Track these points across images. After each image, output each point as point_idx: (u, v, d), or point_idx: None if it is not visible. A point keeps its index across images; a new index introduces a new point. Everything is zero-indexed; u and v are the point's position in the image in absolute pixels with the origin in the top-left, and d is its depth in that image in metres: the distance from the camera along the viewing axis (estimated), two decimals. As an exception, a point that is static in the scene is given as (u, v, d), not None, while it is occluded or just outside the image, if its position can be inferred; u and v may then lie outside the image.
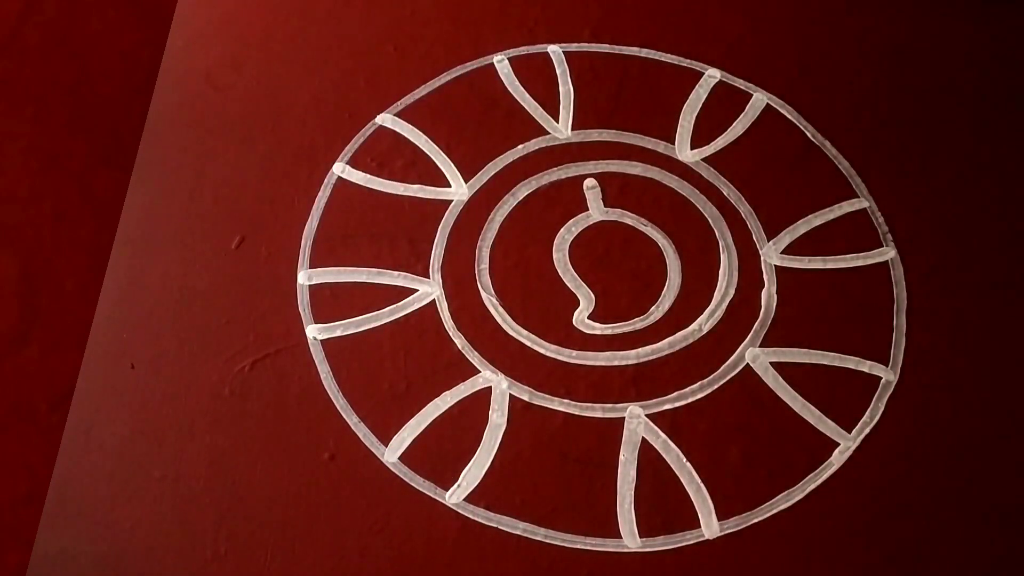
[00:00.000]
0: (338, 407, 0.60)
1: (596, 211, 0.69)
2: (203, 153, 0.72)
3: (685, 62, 0.76)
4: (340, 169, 0.71)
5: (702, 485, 0.57)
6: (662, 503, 0.57)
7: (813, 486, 0.57)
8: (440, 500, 0.57)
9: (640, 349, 0.62)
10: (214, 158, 0.72)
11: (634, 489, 0.57)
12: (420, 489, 0.57)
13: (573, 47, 0.77)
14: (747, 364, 0.62)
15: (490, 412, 0.60)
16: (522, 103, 0.74)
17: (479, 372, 0.62)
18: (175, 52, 0.78)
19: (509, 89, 0.75)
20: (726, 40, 0.77)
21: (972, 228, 0.67)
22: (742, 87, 0.75)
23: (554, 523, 0.56)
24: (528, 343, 0.63)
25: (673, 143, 0.72)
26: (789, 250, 0.67)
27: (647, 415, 0.60)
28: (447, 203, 0.69)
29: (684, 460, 0.58)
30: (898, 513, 0.56)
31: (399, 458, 0.58)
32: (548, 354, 0.62)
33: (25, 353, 0.63)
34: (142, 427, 0.60)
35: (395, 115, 0.74)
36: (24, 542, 0.56)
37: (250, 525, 0.56)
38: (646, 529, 0.56)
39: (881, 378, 0.61)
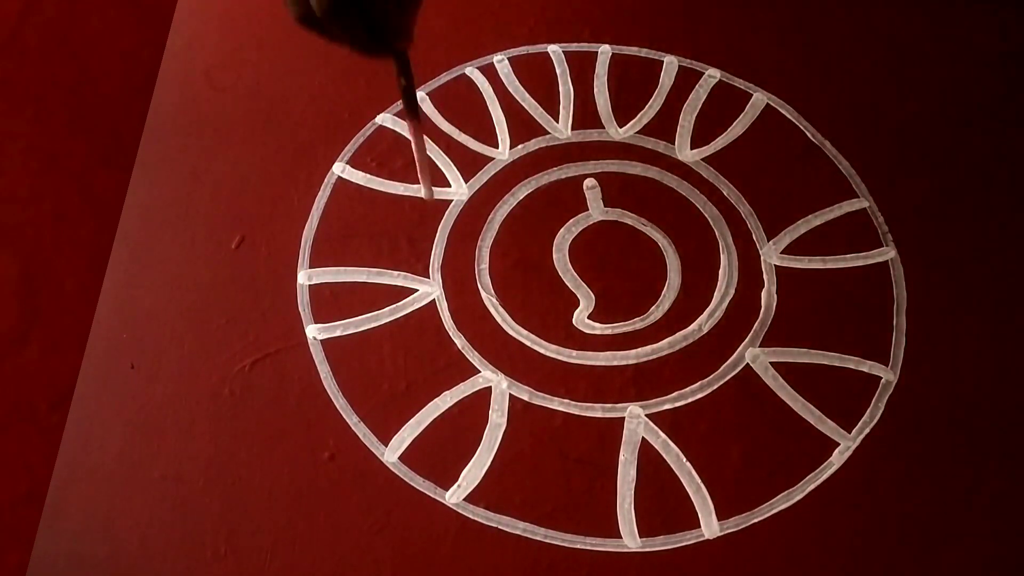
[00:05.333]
0: (338, 407, 0.60)
1: (596, 211, 0.69)
2: (203, 153, 0.72)
3: (685, 62, 0.76)
4: (340, 169, 0.71)
5: (702, 485, 0.57)
6: (662, 503, 0.57)
7: (813, 486, 0.57)
8: (440, 500, 0.57)
9: (640, 349, 0.62)
10: (214, 158, 0.72)
11: (634, 489, 0.57)
12: (420, 489, 0.57)
13: (573, 47, 0.77)
14: (747, 364, 0.62)
15: (490, 412, 0.60)
16: (522, 103, 0.74)
17: (479, 372, 0.62)
18: (175, 52, 0.78)
19: (509, 89, 0.75)
20: (726, 40, 0.77)
21: (972, 228, 0.67)
22: (742, 87, 0.75)
23: (554, 523, 0.56)
24: (528, 343, 0.63)
25: (673, 143, 0.72)
26: (789, 250, 0.67)
27: (647, 415, 0.60)
28: (447, 203, 0.69)
29: (684, 460, 0.58)
30: (898, 513, 0.56)
31: (399, 458, 0.58)
32: (548, 354, 0.62)
33: (25, 353, 0.63)
34: (142, 427, 0.60)
35: (395, 115, 0.74)
36: (24, 542, 0.56)
37: (250, 525, 0.56)
38: (646, 529, 0.56)
39: (881, 378, 0.61)
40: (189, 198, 0.70)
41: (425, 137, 0.72)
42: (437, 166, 0.64)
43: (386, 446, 0.59)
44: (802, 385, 0.61)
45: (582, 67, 0.76)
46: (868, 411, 0.60)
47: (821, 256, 0.66)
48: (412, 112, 0.56)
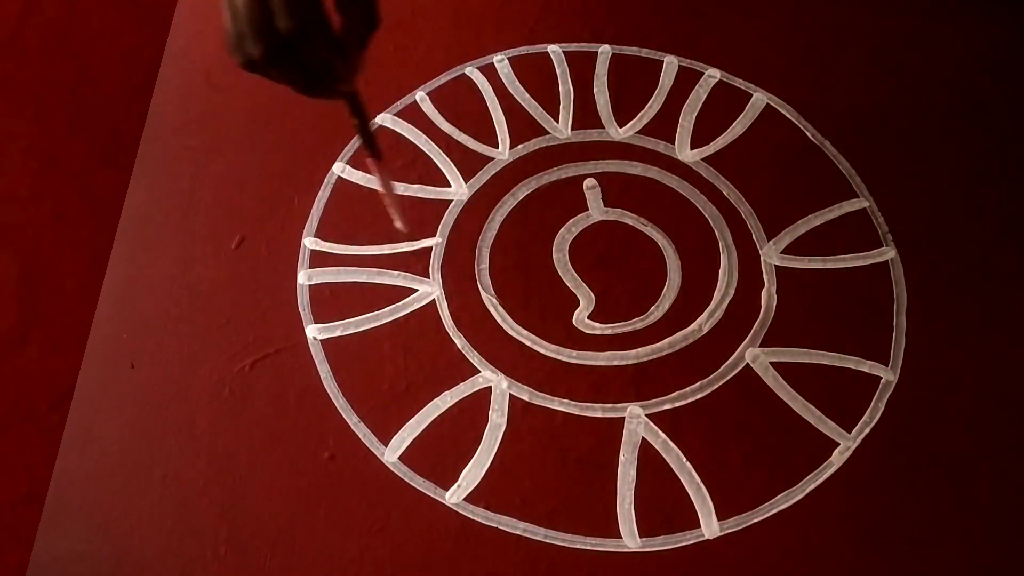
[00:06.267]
0: (338, 407, 0.60)
1: (596, 211, 0.69)
2: (203, 153, 0.72)
3: (685, 62, 0.76)
4: (340, 169, 0.71)
5: (702, 485, 0.57)
6: (662, 503, 0.57)
7: (813, 486, 0.57)
8: (440, 500, 0.57)
9: (640, 349, 0.62)
10: (214, 158, 0.72)
11: (634, 489, 0.57)
12: (420, 489, 0.57)
13: (573, 47, 0.77)
14: (747, 364, 0.62)
15: (490, 412, 0.60)
16: (522, 103, 0.74)
17: (479, 372, 0.62)
18: (175, 52, 0.78)
19: (509, 89, 0.75)
20: (726, 40, 0.77)
21: (972, 228, 0.67)
22: (742, 87, 0.75)
23: (554, 523, 0.56)
24: (528, 343, 0.63)
25: (673, 143, 0.72)
26: (789, 250, 0.67)
27: (647, 415, 0.60)
28: (447, 203, 0.69)
29: (684, 460, 0.58)
30: (898, 513, 0.56)
31: (399, 458, 0.58)
32: (548, 354, 0.62)
33: (25, 353, 0.63)
34: (142, 427, 0.60)
35: (395, 115, 0.74)
36: (24, 542, 0.56)
37: (250, 525, 0.56)
38: (646, 529, 0.56)
39: (881, 378, 0.61)
40: (189, 198, 0.70)
41: (427, 138, 0.72)
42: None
43: (386, 446, 0.59)
44: (802, 385, 0.61)
45: (582, 67, 0.76)
46: (868, 411, 0.60)
47: (821, 256, 0.66)
48: (372, 150, 0.54)
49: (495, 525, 0.56)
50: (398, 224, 0.64)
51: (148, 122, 0.74)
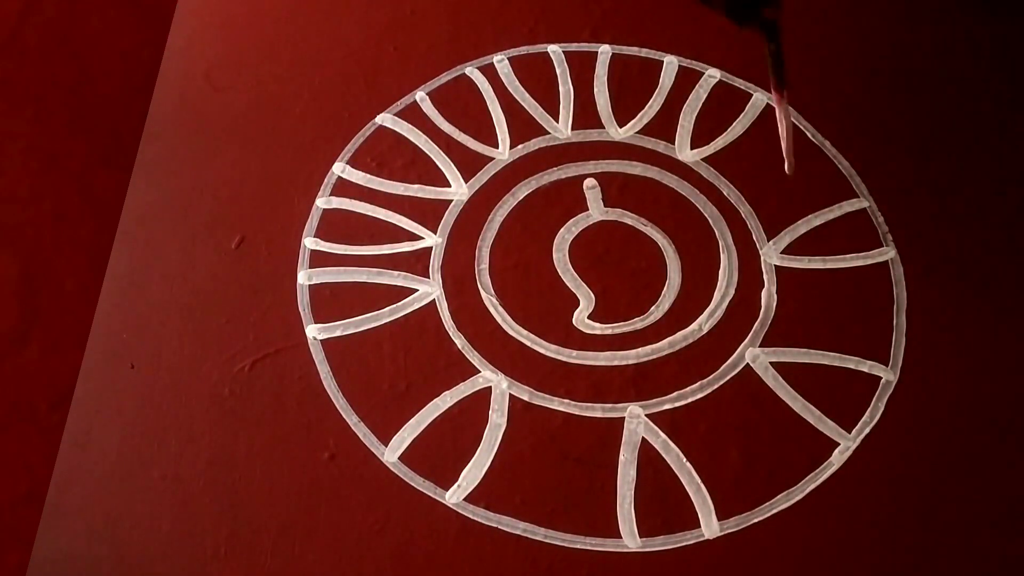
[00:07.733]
0: (338, 407, 0.60)
1: (596, 211, 0.69)
2: (203, 153, 0.72)
3: (685, 62, 0.76)
4: (340, 169, 0.71)
5: (702, 485, 0.57)
6: (662, 503, 0.57)
7: (813, 486, 0.57)
8: (440, 500, 0.57)
9: (640, 349, 0.63)
10: (214, 158, 0.72)
11: (634, 489, 0.57)
12: (420, 489, 0.57)
13: (573, 47, 0.77)
14: (747, 364, 0.62)
15: (490, 412, 0.60)
16: (522, 103, 0.74)
17: (479, 372, 0.62)
18: (175, 52, 0.78)
19: (509, 89, 0.75)
20: (726, 40, 0.77)
21: (972, 228, 0.67)
22: (742, 87, 0.75)
23: (554, 523, 0.56)
24: (528, 343, 0.63)
25: (673, 143, 0.72)
26: (789, 250, 0.67)
27: (647, 415, 0.60)
28: (447, 203, 0.69)
29: (684, 460, 0.58)
30: (898, 513, 0.56)
31: (399, 458, 0.58)
32: (548, 354, 0.62)
33: (25, 353, 0.63)
34: (142, 427, 0.60)
35: (395, 115, 0.74)
36: (24, 542, 0.56)
37: (250, 525, 0.56)
38: (646, 529, 0.56)
39: (881, 378, 0.61)
40: (189, 198, 0.70)
41: (427, 138, 0.72)
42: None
43: (386, 446, 0.59)
44: (802, 385, 0.61)
45: (582, 67, 0.76)
46: (868, 411, 0.60)
47: (821, 256, 0.66)
48: (779, 80, 0.56)
49: (495, 525, 0.56)
50: (788, 165, 0.59)
51: (148, 122, 0.74)
